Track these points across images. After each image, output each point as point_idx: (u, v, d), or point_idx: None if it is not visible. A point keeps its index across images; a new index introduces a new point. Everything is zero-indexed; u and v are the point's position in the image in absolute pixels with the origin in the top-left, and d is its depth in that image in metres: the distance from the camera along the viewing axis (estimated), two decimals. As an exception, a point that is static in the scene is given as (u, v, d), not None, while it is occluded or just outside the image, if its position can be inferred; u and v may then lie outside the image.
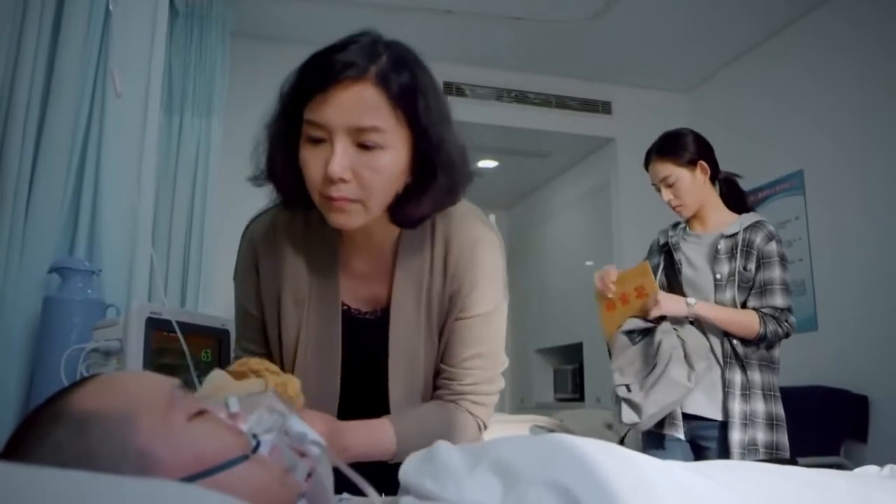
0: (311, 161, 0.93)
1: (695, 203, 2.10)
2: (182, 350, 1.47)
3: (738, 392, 1.95)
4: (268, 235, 1.11)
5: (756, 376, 1.97)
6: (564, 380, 5.33)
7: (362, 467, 0.66)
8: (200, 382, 0.88)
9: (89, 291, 1.95)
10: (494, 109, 4.22)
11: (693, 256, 2.10)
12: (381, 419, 1.04)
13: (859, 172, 3.30)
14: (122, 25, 2.12)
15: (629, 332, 2.04)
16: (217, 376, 0.88)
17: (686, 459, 1.92)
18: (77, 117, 2.04)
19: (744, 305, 2.00)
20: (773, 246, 2.00)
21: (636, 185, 3.46)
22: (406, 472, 0.67)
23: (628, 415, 1.99)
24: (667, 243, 2.18)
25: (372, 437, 1.01)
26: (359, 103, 0.91)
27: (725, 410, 1.96)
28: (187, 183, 3.03)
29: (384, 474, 0.82)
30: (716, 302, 2.01)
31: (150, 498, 0.45)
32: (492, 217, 1.16)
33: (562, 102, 4.37)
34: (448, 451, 0.66)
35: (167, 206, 2.96)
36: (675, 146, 2.10)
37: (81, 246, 2.05)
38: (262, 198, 1.10)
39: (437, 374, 1.11)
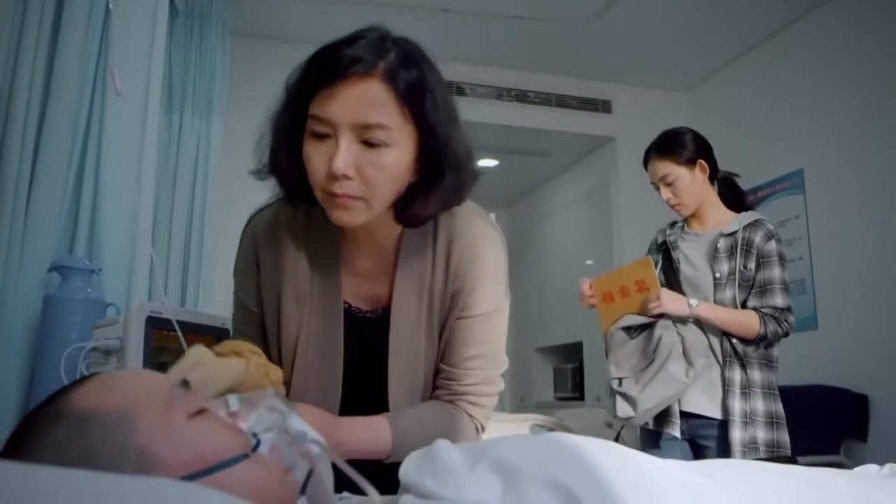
0: (315, 156, 0.91)
1: (694, 202, 2.10)
2: (182, 349, 1.47)
3: (737, 390, 1.95)
4: (270, 230, 1.09)
5: (756, 375, 1.97)
6: (564, 379, 5.34)
7: (362, 467, 0.66)
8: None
9: (89, 290, 1.94)
10: (494, 108, 4.22)
11: (692, 255, 2.10)
12: (377, 416, 1.03)
13: (859, 172, 3.30)
14: (121, 25, 2.11)
15: (626, 328, 2.05)
16: (197, 351, 0.86)
17: (685, 458, 1.92)
18: (77, 116, 2.03)
19: (744, 304, 2.00)
20: (772, 245, 2.00)
21: (636, 185, 3.45)
22: (406, 471, 0.67)
23: (623, 408, 1.99)
24: (665, 242, 2.18)
25: (368, 433, 1.00)
26: (365, 100, 0.89)
27: (725, 409, 1.96)
28: (187, 182, 3.03)
29: (384, 474, 0.82)
30: (716, 300, 2.01)
31: (151, 497, 0.45)
32: (492, 216, 1.15)
33: (562, 101, 4.37)
34: (448, 449, 0.66)
35: (167, 205, 2.96)
36: (674, 145, 2.10)
37: (81, 245, 2.04)
38: (263, 196, 1.10)
39: (437, 373, 1.10)
